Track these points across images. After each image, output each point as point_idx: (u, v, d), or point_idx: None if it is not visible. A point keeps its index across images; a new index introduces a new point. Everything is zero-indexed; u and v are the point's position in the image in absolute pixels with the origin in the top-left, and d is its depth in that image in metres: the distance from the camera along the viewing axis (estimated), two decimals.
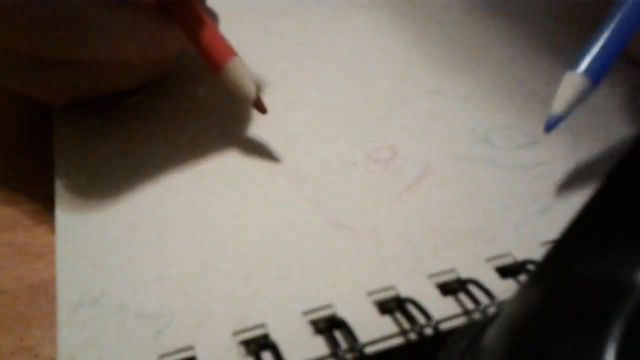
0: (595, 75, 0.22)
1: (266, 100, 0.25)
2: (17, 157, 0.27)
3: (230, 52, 0.23)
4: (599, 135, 0.27)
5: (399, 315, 0.19)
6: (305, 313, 0.19)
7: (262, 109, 0.24)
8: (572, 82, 0.23)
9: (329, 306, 0.19)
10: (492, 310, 0.19)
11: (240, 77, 0.23)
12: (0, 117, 0.30)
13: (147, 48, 0.24)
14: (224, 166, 0.25)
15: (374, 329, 0.18)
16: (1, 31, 0.22)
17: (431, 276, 0.20)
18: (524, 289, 0.13)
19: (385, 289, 0.20)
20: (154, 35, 0.24)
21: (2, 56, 0.23)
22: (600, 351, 0.10)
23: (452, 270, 0.20)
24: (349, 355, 0.17)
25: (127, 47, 0.23)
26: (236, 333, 0.18)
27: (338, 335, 0.18)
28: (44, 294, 0.21)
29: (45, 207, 0.24)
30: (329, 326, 0.19)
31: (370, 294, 0.20)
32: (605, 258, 0.12)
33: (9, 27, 0.21)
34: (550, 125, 0.23)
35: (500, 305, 0.18)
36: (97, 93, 0.26)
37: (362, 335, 0.18)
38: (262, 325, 0.19)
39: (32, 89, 0.25)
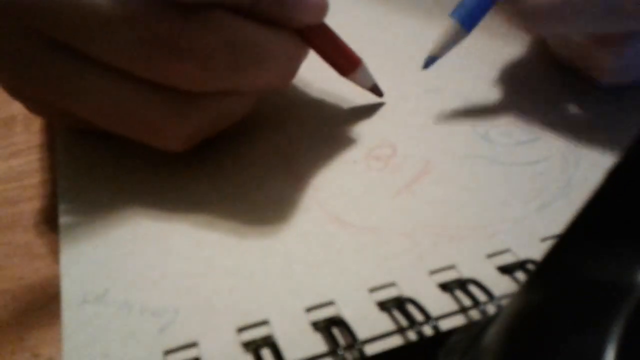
0: (468, 23, 0.26)
1: (267, 98, 0.26)
2: (18, 156, 0.27)
3: (358, 59, 0.27)
4: (598, 132, 0.27)
5: (399, 314, 0.19)
6: (308, 309, 0.19)
7: (380, 94, 0.28)
8: (448, 28, 0.27)
9: (330, 302, 0.19)
10: (491, 308, 0.19)
11: (369, 79, 0.28)
12: (2, 117, 0.30)
13: (291, 72, 0.24)
14: (226, 164, 0.25)
15: (374, 326, 0.18)
16: (166, 64, 0.20)
17: (432, 272, 0.20)
18: (524, 289, 0.13)
19: (387, 285, 0.20)
20: (297, 58, 0.24)
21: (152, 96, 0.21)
22: (600, 351, 0.10)
23: (452, 267, 0.21)
24: (348, 354, 0.18)
25: (280, 70, 0.23)
26: (240, 329, 0.18)
27: (338, 333, 0.18)
28: (44, 293, 0.21)
29: (45, 207, 0.24)
30: (328, 324, 0.19)
31: (372, 290, 0.20)
32: (605, 258, 0.12)
33: (174, 59, 0.20)
34: (427, 64, 0.27)
35: (500, 305, 0.19)
36: (212, 133, 0.24)
37: (362, 333, 0.18)
38: (265, 322, 0.19)
39: (161, 132, 0.22)
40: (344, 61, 0.27)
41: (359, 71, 0.27)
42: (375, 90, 0.28)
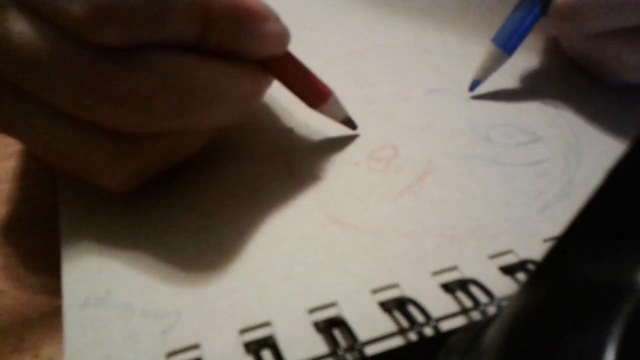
0: (509, 47, 0.28)
1: (267, 99, 0.26)
2: (18, 156, 0.27)
3: (328, 90, 0.25)
4: (599, 132, 0.27)
5: (400, 315, 0.19)
6: (311, 311, 0.19)
7: (354, 127, 0.27)
8: (489, 52, 0.29)
9: (333, 304, 0.19)
10: (492, 309, 0.19)
11: (340, 111, 0.26)
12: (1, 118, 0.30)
13: (247, 108, 0.22)
14: (226, 166, 0.25)
15: (376, 327, 0.18)
16: (103, 109, 0.19)
17: (435, 273, 0.20)
18: (524, 289, 0.13)
19: (389, 286, 0.20)
20: (255, 94, 0.23)
21: (84, 134, 0.20)
22: (600, 351, 0.10)
23: (454, 268, 0.21)
24: (348, 355, 0.18)
25: (233, 108, 0.21)
26: (242, 331, 0.18)
27: (338, 334, 0.18)
28: (44, 294, 0.21)
29: (45, 207, 0.24)
30: (329, 325, 0.19)
31: (374, 291, 0.20)
32: (605, 258, 0.12)
33: (112, 104, 0.19)
34: (472, 87, 0.29)
35: (501, 306, 0.19)
36: (164, 168, 0.23)
37: (364, 334, 0.18)
38: (267, 323, 0.19)
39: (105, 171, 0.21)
40: (312, 93, 0.25)
41: (330, 103, 0.25)
42: (348, 123, 0.26)
